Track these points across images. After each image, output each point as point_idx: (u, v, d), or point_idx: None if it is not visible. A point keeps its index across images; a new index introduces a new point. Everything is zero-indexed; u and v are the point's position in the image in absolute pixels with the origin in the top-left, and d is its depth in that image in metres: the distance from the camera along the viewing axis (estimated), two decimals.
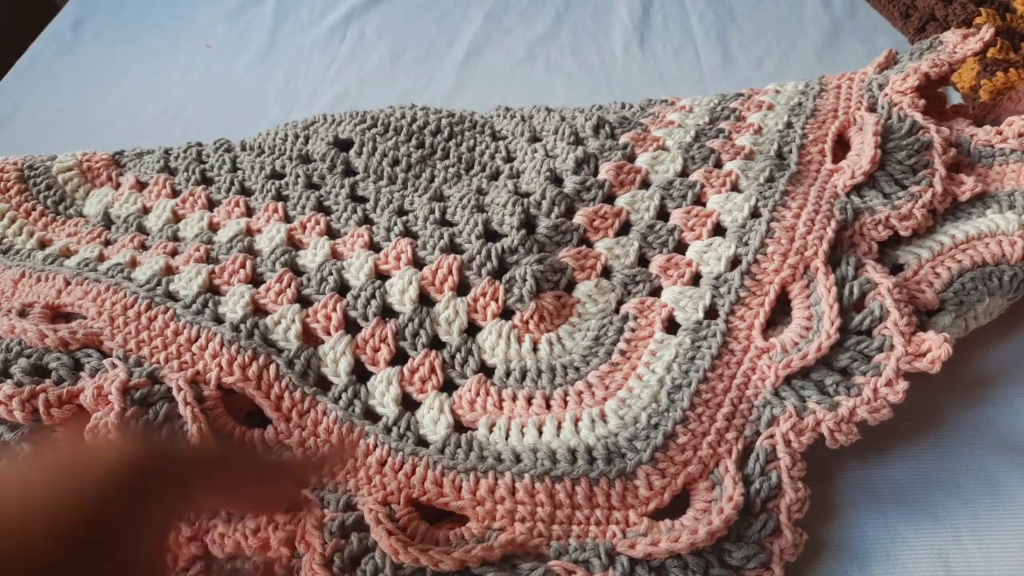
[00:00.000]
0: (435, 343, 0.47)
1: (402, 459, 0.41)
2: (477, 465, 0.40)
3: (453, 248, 0.50)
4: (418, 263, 0.50)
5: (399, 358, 0.46)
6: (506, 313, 0.48)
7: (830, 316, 0.43)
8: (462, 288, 0.48)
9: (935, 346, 0.41)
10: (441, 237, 0.51)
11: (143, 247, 0.56)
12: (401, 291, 0.48)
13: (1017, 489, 0.42)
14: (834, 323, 0.43)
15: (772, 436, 0.40)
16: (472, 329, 0.47)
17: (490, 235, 0.51)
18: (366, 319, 0.47)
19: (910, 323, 0.43)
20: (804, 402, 0.41)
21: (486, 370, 0.46)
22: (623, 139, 0.57)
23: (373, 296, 0.48)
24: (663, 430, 0.41)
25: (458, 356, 0.46)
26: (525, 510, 0.38)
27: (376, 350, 0.46)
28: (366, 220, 0.55)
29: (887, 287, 0.44)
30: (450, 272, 0.48)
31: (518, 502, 0.39)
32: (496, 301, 0.47)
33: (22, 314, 0.49)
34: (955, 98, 0.67)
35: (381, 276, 0.50)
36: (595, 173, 0.54)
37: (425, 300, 0.48)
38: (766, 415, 0.41)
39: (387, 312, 0.48)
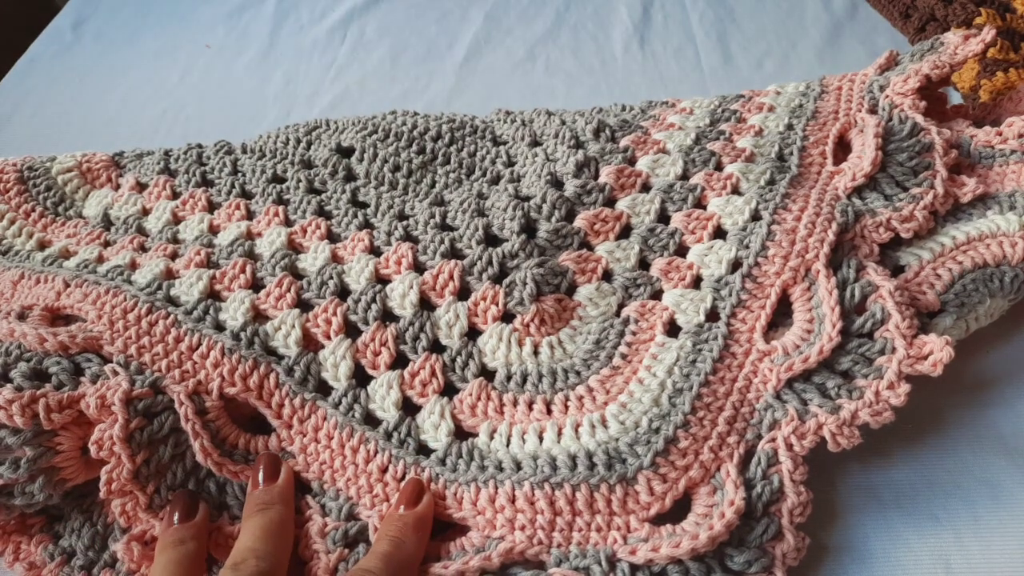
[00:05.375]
0: (436, 347, 0.46)
1: (404, 468, 0.41)
2: (478, 476, 0.40)
3: (454, 253, 0.50)
4: (419, 267, 0.50)
5: (399, 362, 0.46)
6: (507, 317, 0.47)
7: (831, 319, 0.43)
8: (463, 292, 0.48)
9: (936, 348, 0.41)
10: (442, 242, 0.51)
11: (143, 249, 0.55)
12: (402, 295, 0.48)
13: (1019, 491, 0.42)
14: (835, 326, 0.43)
15: (774, 440, 0.40)
16: (473, 333, 0.47)
17: (490, 239, 0.51)
18: (366, 323, 0.47)
19: (911, 325, 0.42)
20: (806, 405, 0.41)
21: (487, 374, 0.46)
22: (623, 142, 0.57)
23: (374, 300, 0.48)
24: (664, 434, 0.40)
25: (459, 360, 0.46)
26: (525, 518, 0.38)
27: (376, 354, 0.46)
28: (367, 225, 0.55)
29: (888, 289, 0.44)
30: (451, 278, 0.48)
31: (518, 510, 0.38)
32: (497, 305, 0.47)
33: (21, 317, 0.48)
34: (955, 98, 0.66)
35: (382, 280, 0.49)
36: (596, 176, 0.54)
37: (426, 304, 0.48)
38: (767, 418, 0.41)
39: (387, 316, 0.48)
